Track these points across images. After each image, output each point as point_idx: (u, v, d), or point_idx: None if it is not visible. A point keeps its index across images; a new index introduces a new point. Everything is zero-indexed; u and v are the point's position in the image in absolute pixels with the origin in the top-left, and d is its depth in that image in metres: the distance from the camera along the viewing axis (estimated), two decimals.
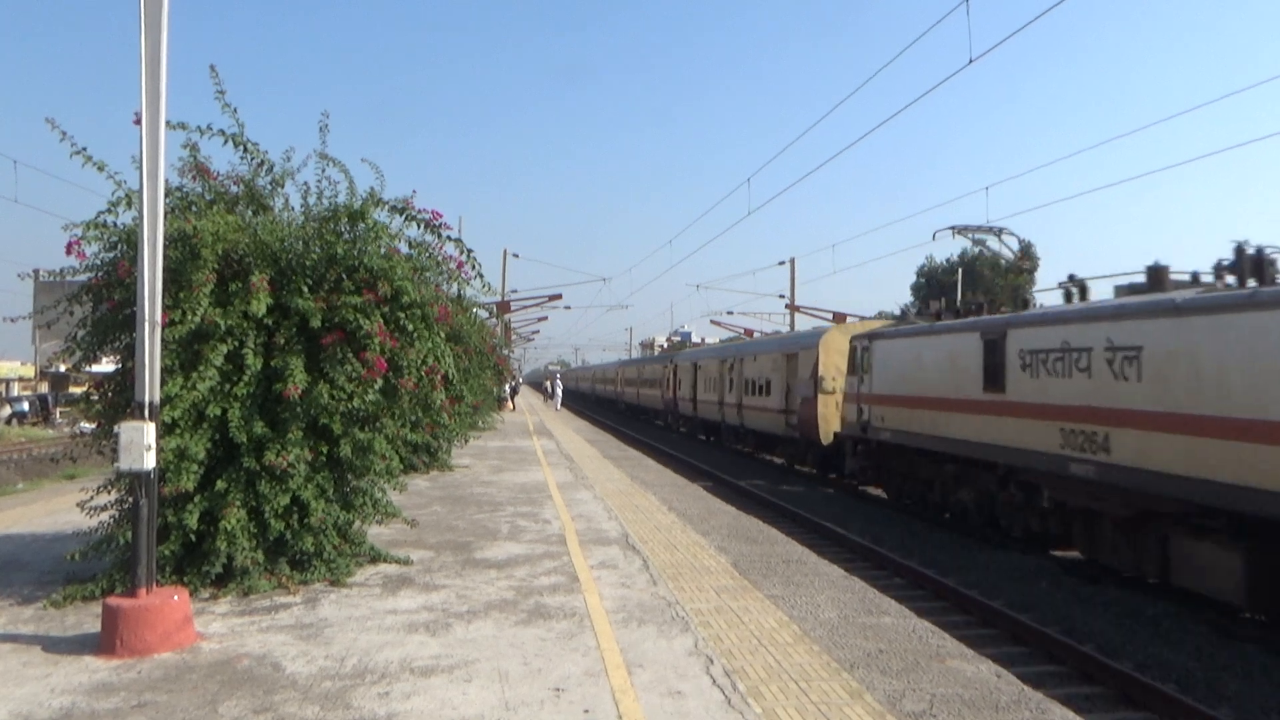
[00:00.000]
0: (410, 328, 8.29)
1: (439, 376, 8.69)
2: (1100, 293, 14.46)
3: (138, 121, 6.42)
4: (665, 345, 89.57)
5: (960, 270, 64.17)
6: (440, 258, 9.16)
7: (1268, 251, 11.07)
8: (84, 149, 7.60)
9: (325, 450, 8.16)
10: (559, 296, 47.11)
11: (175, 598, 6.45)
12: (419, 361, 8.36)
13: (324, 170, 8.73)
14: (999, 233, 20.92)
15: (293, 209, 8.86)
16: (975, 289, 66.80)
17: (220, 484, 7.67)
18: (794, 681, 5.91)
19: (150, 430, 6.34)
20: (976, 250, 79.15)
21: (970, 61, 13.26)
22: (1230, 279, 11.50)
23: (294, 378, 7.66)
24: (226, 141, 8.42)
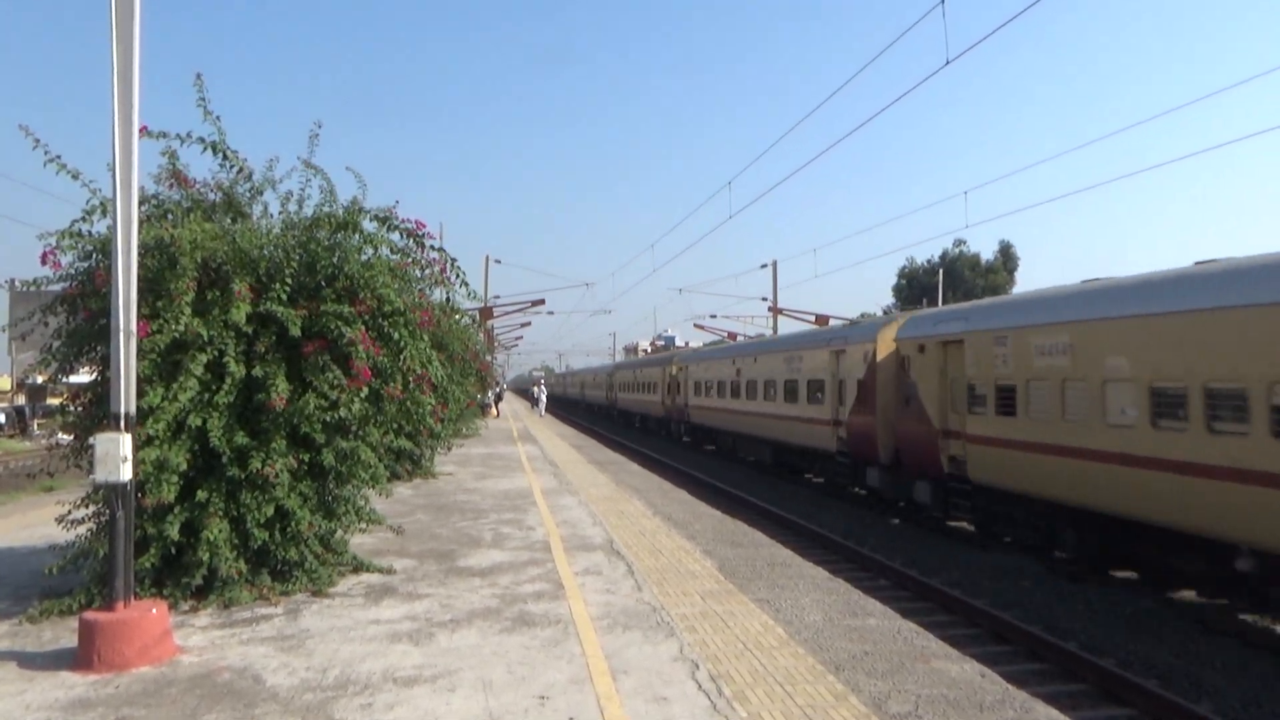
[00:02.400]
0: (395, 335, 8.27)
1: (426, 382, 8.67)
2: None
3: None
4: (649, 349, 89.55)
5: (941, 271, 64.55)
6: (424, 261, 9.14)
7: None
8: (58, 157, 7.51)
9: (307, 458, 8.10)
10: (542, 302, 46.94)
11: (154, 611, 6.37)
12: (406, 368, 8.33)
13: (308, 179, 8.71)
14: None
15: (271, 216, 8.81)
16: (956, 289, 67.31)
17: (201, 494, 7.60)
18: (779, 685, 5.91)
19: (126, 441, 6.27)
20: (956, 251, 79.55)
21: (947, 63, 13.36)
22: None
23: (276, 387, 7.61)
24: (205, 149, 8.36)
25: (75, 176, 7.67)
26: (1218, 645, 10.17)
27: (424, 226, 8.89)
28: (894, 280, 79.83)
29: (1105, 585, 12.67)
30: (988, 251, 75.11)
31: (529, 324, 59.58)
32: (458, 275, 9.31)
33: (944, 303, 51.98)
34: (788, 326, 46.66)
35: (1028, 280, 75.44)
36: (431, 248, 9.02)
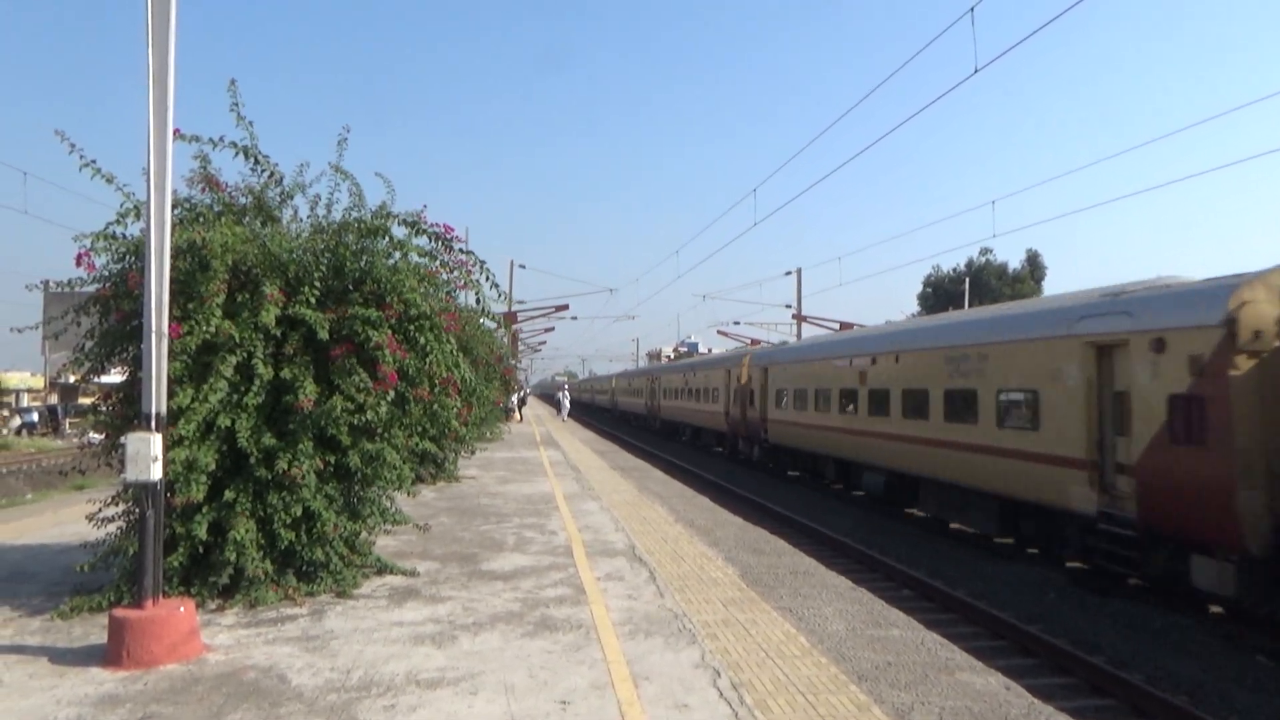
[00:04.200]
0: (421, 340, 8.32)
1: (453, 385, 8.72)
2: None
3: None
4: (672, 355, 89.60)
5: (968, 280, 64.04)
6: (451, 264, 9.18)
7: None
8: (93, 161, 7.64)
9: (333, 460, 8.17)
10: (565, 307, 47.08)
11: (182, 609, 6.46)
12: (431, 372, 8.39)
13: (337, 184, 8.79)
14: None
15: (301, 220, 8.91)
16: (982, 298, 66.73)
17: (229, 494, 7.69)
18: (802, 694, 5.88)
19: (157, 441, 6.35)
20: (983, 260, 78.75)
21: (975, 71, 13.28)
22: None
23: (304, 390, 7.69)
24: (238, 153, 8.46)
25: (110, 180, 7.80)
26: (1247, 661, 10.00)
27: (452, 230, 8.95)
28: (919, 289, 79.26)
29: (1131, 598, 12.51)
30: (1015, 260, 74.42)
31: (552, 329, 59.75)
32: (487, 277, 9.35)
33: None
34: (811, 334, 46.59)
35: (1056, 290, 74.56)
36: (460, 251, 9.08)
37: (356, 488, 8.71)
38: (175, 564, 7.46)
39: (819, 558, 14.47)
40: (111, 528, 7.93)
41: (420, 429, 9.09)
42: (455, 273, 9.30)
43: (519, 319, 45.54)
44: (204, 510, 7.53)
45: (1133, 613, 11.89)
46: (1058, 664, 10.03)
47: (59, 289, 8.53)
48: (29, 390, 64.04)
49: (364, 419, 8.00)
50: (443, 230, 8.86)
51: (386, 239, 8.54)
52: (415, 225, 8.71)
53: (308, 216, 8.88)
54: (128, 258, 7.88)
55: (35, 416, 51.38)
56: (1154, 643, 10.74)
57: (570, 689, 5.81)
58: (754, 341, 52.89)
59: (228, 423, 7.64)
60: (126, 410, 8.05)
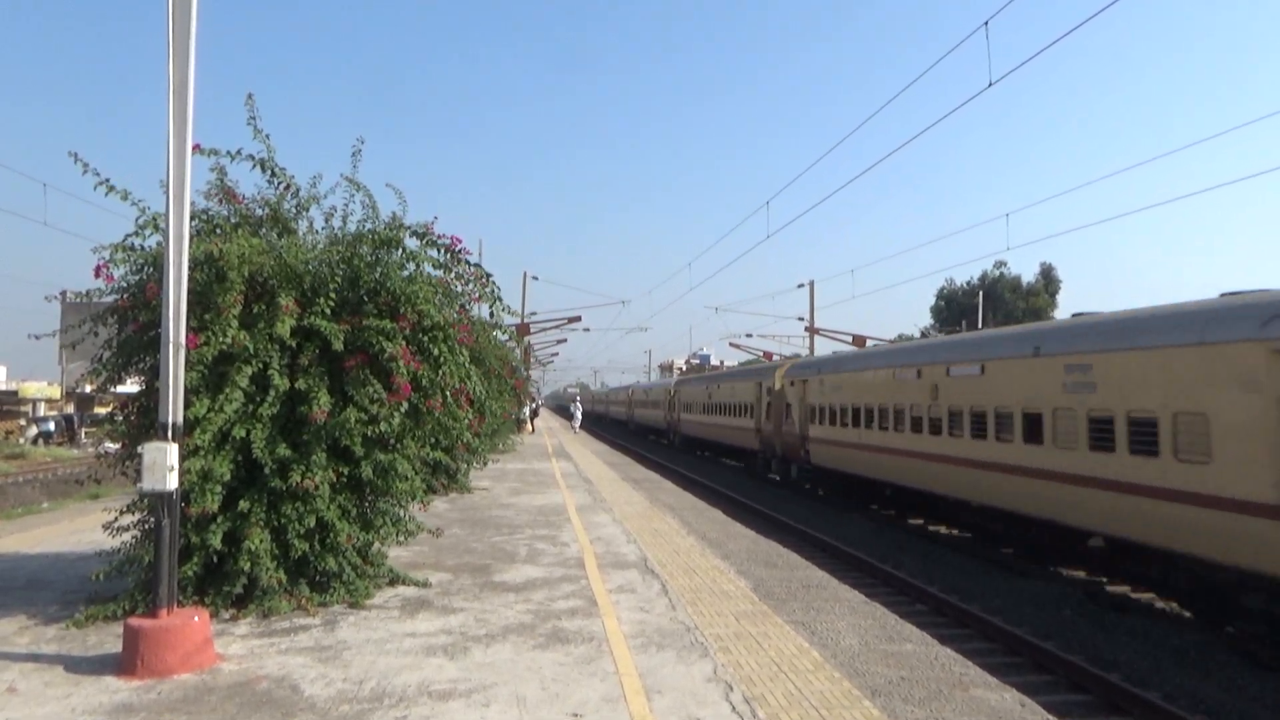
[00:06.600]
0: (435, 351, 8.35)
1: (464, 397, 8.74)
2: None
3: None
4: (684, 368, 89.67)
5: (981, 293, 63.79)
6: (466, 276, 9.22)
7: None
8: (107, 179, 7.74)
9: (346, 471, 8.20)
10: (578, 319, 47.16)
11: (196, 619, 6.48)
12: (445, 383, 8.41)
13: (351, 195, 8.85)
14: None
15: (316, 232, 8.96)
16: (996, 311, 66.44)
17: (243, 504, 7.71)
18: (814, 709, 5.84)
19: (173, 451, 6.39)
20: (997, 273, 78.46)
21: (990, 84, 13.28)
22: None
23: (319, 401, 7.72)
24: (255, 166, 8.53)
25: (125, 197, 7.87)
26: (1269, 683, 9.87)
27: (460, 242, 8.98)
28: (932, 301, 79.04)
29: (1149, 617, 12.38)
30: (1029, 274, 74.12)
31: (564, 340, 59.87)
32: (492, 291, 9.39)
33: (983, 325, 51.42)
34: (824, 346, 46.49)
35: (1071, 303, 74.12)
36: (467, 263, 9.10)
37: (369, 498, 8.73)
38: (190, 573, 7.48)
39: (832, 571, 14.41)
40: (126, 537, 7.97)
41: (433, 440, 9.12)
42: (470, 284, 9.33)
43: (531, 330, 45.65)
44: (218, 520, 7.56)
45: (1151, 630, 11.77)
46: (1074, 681, 9.94)
47: (77, 299, 8.62)
48: (46, 400, 64.46)
49: (377, 430, 8.03)
50: (451, 242, 8.89)
51: (400, 250, 8.60)
52: (424, 236, 8.75)
53: (323, 228, 8.95)
54: (146, 269, 7.95)
55: (52, 426, 51.70)
56: (1173, 661, 10.63)
57: (582, 701, 5.79)
58: (766, 354, 52.85)
59: (243, 433, 7.67)
60: (143, 420, 8.10)
